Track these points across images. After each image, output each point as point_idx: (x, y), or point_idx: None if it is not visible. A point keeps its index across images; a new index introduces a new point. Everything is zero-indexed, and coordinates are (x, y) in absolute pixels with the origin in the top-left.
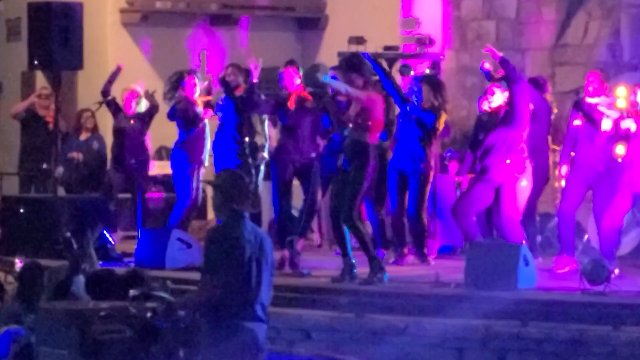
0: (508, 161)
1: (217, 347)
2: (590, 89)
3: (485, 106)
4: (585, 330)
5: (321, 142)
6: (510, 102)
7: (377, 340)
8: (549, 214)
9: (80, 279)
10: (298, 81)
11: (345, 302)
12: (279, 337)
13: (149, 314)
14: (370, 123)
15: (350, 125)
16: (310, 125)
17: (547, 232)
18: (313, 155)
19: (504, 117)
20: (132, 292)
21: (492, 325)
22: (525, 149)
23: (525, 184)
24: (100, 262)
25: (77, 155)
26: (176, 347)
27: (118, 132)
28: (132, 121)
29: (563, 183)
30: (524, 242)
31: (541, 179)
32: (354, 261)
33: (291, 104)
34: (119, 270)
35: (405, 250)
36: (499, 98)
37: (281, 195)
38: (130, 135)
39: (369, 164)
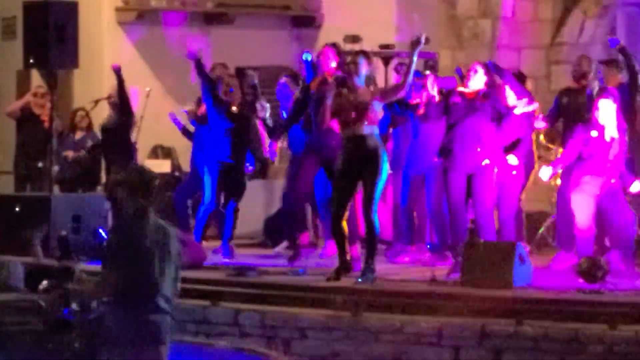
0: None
1: (120, 339)
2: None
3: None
4: (581, 328)
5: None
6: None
7: (373, 338)
8: (544, 213)
9: (19, 272)
10: (333, 64)
11: (341, 300)
12: (275, 336)
13: (57, 306)
14: (375, 115)
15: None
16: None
17: (543, 230)
18: (333, 143)
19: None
20: (42, 285)
21: (487, 323)
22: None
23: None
24: (97, 261)
25: (71, 154)
26: (85, 339)
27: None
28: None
29: (559, 182)
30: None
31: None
32: (349, 259)
33: (313, 86)
34: (55, 264)
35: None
36: (480, 79)
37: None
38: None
39: (381, 157)
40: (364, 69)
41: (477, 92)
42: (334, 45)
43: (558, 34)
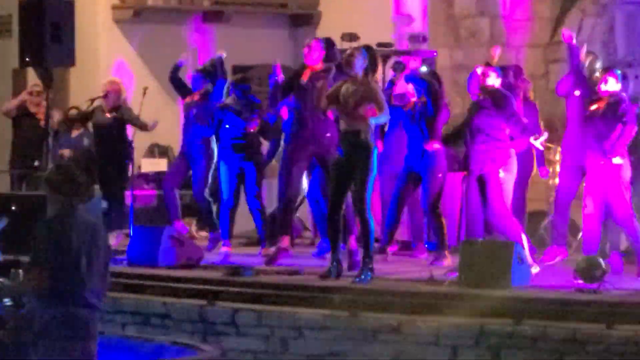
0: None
1: (48, 334)
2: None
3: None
4: (579, 328)
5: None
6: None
7: (371, 338)
8: (542, 212)
9: None
10: (319, 58)
11: (339, 300)
12: (272, 336)
13: None
14: (370, 111)
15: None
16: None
17: (541, 229)
18: (327, 135)
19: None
20: None
21: (485, 323)
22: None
23: (503, 175)
24: None
25: (66, 152)
26: (15, 334)
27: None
28: (108, 115)
29: (557, 181)
30: (522, 235)
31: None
32: (340, 257)
33: (305, 77)
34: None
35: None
36: (494, 81)
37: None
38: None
39: (371, 153)
40: (358, 63)
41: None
42: (325, 39)
43: (556, 33)
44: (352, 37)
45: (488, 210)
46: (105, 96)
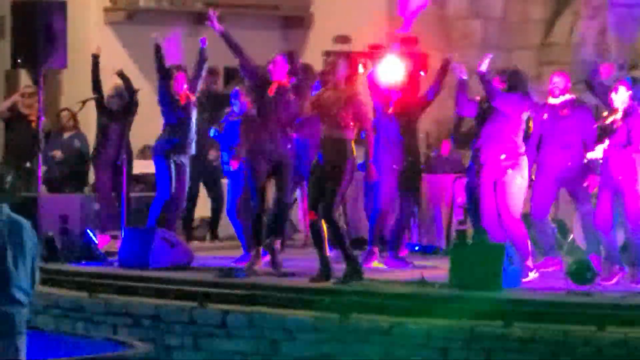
0: (503, 156)
1: None
2: (556, 91)
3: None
4: (570, 330)
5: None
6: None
7: (362, 340)
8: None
9: None
10: (284, 73)
11: (329, 302)
12: (262, 337)
13: None
14: (350, 120)
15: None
16: (286, 118)
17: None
18: (288, 147)
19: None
20: None
21: (476, 325)
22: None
23: (519, 181)
24: (84, 262)
25: (57, 154)
26: None
27: (101, 129)
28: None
29: None
30: (528, 241)
31: None
32: (329, 260)
33: (271, 92)
34: None
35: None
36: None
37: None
38: (114, 133)
39: (347, 161)
40: (340, 71)
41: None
42: (288, 54)
43: (549, 35)
44: (345, 39)
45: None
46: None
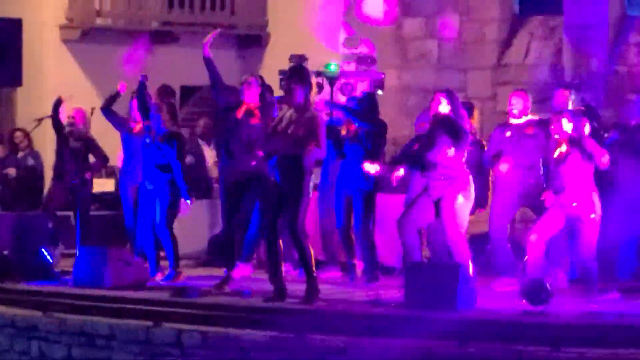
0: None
1: None
2: (515, 111)
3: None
4: (525, 350)
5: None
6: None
7: None
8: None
9: None
10: (256, 95)
11: (285, 321)
12: (218, 357)
13: None
14: (307, 139)
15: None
16: (251, 139)
17: (488, 252)
18: (252, 164)
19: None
20: None
21: (431, 345)
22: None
23: (462, 201)
24: (39, 281)
25: (12, 172)
26: None
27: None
28: (75, 141)
29: None
30: (470, 262)
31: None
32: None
33: (239, 114)
34: None
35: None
36: (444, 109)
37: (228, 213)
38: (74, 154)
39: (305, 178)
40: (299, 93)
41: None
42: (259, 77)
43: (504, 55)
44: (301, 58)
45: (445, 233)
46: (71, 124)
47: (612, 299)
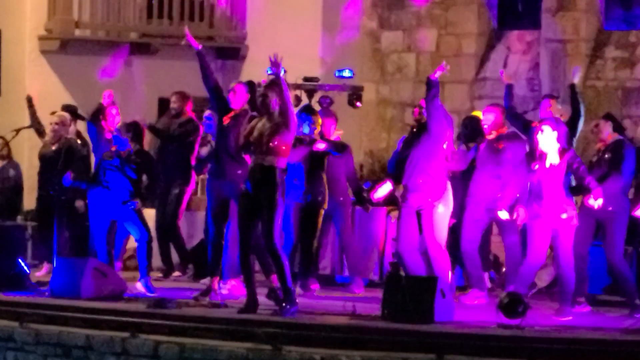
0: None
1: None
2: (485, 126)
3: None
4: None
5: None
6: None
7: None
8: None
9: None
10: (244, 102)
11: (262, 333)
12: None
13: None
14: (283, 147)
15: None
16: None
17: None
18: (238, 172)
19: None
20: None
21: (408, 358)
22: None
23: (442, 210)
24: (15, 292)
25: None
26: None
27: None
28: (53, 148)
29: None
30: (449, 272)
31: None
32: (255, 292)
33: (225, 120)
34: None
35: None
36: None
37: (214, 221)
38: (51, 163)
39: (278, 189)
40: (272, 100)
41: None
42: (248, 82)
43: (482, 69)
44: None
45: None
46: (53, 130)
47: (582, 312)
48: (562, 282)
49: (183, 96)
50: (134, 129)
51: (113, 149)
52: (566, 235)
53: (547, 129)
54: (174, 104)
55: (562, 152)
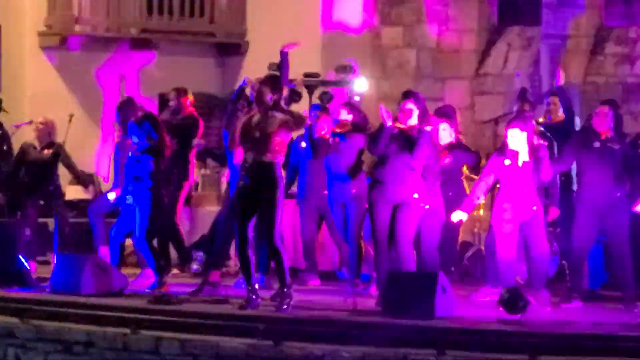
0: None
1: None
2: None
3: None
4: (502, 359)
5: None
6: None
7: None
8: (467, 243)
9: None
10: None
11: (263, 329)
12: None
13: None
14: (283, 143)
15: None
16: None
17: (465, 261)
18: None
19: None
20: None
21: (409, 353)
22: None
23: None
24: (16, 288)
25: None
26: None
27: (32, 161)
28: (45, 151)
29: (482, 212)
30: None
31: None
32: (257, 287)
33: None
34: None
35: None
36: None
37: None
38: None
39: (279, 185)
40: (268, 96)
41: (413, 127)
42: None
43: (482, 65)
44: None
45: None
46: (39, 133)
47: (575, 307)
48: (536, 270)
49: (179, 92)
50: (150, 121)
51: (129, 141)
52: (537, 224)
53: (515, 131)
54: (172, 101)
55: (532, 149)
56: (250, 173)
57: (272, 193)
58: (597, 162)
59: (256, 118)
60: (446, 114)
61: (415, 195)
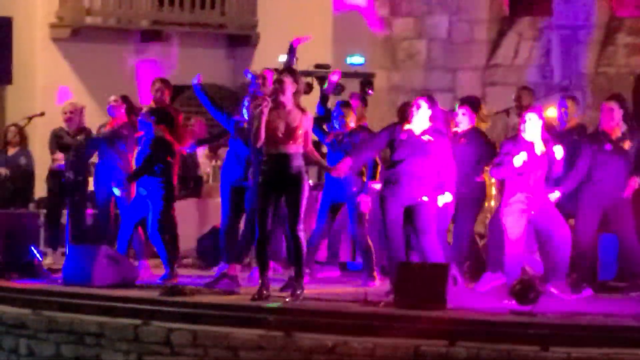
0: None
1: None
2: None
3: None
4: (514, 350)
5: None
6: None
7: (305, 359)
8: (478, 234)
9: None
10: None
11: (274, 320)
12: (207, 356)
13: None
14: (306, 134)
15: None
16: None
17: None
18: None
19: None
20: None
21: (420, 344)
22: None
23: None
24: (28, 279)
25: (3, 171)
26: None
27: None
28: (78, 137)
29: (492, 203)
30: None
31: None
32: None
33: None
34: None
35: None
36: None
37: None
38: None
39: (304, 174)
40: (289, 88)
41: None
42: (275, 69)
43: (493, 56)
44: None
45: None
46: (69, 119)
47: (585, 297)
48: (561, 257)
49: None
50: (158, 114)
51: (138, 134)
52: (553, 210)
53: (534, 116)
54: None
55: (545, 141)
56: (275, 166)
57: (299, 183)
58: (609, 164)
59: (276, 113)
60: (470, 102)
61: (425, 198)
